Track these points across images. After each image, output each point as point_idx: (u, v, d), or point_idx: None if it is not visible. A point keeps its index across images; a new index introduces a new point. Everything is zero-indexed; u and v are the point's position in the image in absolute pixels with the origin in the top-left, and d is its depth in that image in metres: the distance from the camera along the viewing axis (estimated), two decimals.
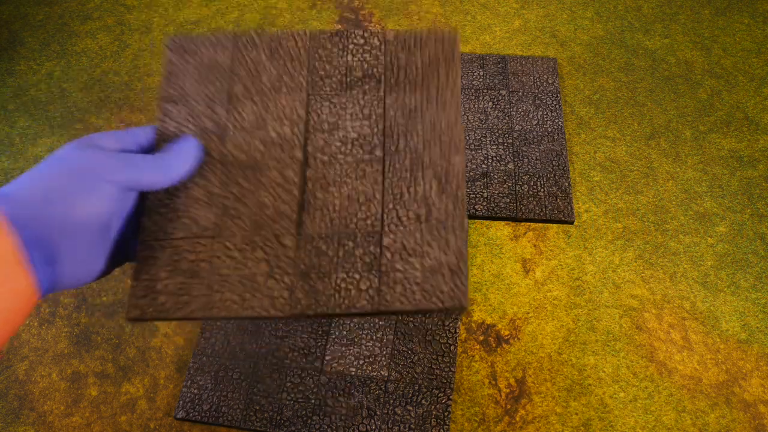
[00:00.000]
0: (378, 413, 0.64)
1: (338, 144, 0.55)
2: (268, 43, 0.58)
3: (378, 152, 0.55)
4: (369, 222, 0.53)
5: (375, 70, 0.58)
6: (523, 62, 0.97)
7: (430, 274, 0.50)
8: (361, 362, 0.70)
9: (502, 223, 0.83)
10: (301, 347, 0.71)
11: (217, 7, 1.04)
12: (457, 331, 0.71)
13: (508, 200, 0.82)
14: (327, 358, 0.70)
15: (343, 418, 0.63)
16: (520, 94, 0.94)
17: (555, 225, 0.84)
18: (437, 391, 0.67)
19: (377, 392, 0.68)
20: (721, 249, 0.83)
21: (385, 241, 0.52)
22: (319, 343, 0.71)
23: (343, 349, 0.71)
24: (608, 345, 0.75)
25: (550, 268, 0.80)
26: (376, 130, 0.56)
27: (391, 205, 0.54)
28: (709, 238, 0.84)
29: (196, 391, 0.68)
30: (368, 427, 0.63)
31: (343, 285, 0.50)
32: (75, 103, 0.93)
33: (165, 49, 0.60)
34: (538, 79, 0.95)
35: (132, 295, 0.51)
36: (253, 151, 0.55)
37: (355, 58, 0.58)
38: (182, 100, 0.57)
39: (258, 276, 0.50)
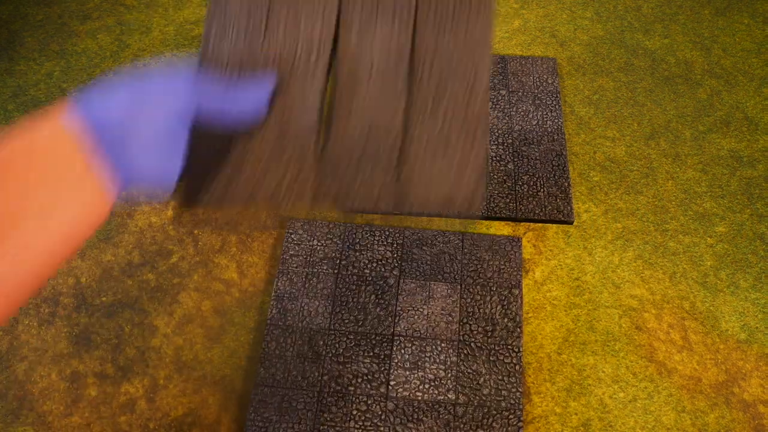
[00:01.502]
0: None
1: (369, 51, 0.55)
2: None
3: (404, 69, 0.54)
4: (394, 125, 0.52)
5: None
6: (523, 62, 0.97)
7: (448, 177, 0.50)
8: (426, 386, 0.69)
9: (502, 223, 0.83)
10: (364, 373, 0.70)
11: None
12: (521, 350, 0.70)
13: (507, 200, 0.82)
14: (392, 383, 0.69)
15: None
16: (520, 94, 0.94)
17: (554, 225, 0.84)
18: (507, 413, 0.65)
19: (446, 417, 0.66)
20: (720, 249, 0.83)
21: (410, 144, 0.52)
22: (382, 368, 0.70)
23: (407, 373, 0.70)
24: (608, 345, 0.75)
25: (550, 268, 0.80)
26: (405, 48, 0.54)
27: (418, 112, 0.53)
28: (708, 238, 0.84)
29: (260, 424, 0.67)
30: None
31: (365, 184, 0.50)
32: None
33: None
34: (537, 79, 0.95)
35: (185, 186, 0.54)
36: (283, 63, 0.55)
37: None
38: (224, 17, 0.56)
39: (288, 174, 0.51)
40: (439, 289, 0.74)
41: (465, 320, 0.72)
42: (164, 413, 0.69)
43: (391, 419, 0.66)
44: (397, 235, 0.78)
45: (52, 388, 0.72)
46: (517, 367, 0.68)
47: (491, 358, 0.69)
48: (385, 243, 0.77)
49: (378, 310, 0.71)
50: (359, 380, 0.69)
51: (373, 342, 0.71)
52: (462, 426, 0.66)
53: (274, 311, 0.74)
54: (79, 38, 1.00)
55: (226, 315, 0.77)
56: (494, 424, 0.65)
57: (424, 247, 0.77)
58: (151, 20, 1.03)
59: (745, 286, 0.79)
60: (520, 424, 0.65)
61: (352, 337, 0.72)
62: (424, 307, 0.73)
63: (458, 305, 0.73)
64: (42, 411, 0.71)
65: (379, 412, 0.67)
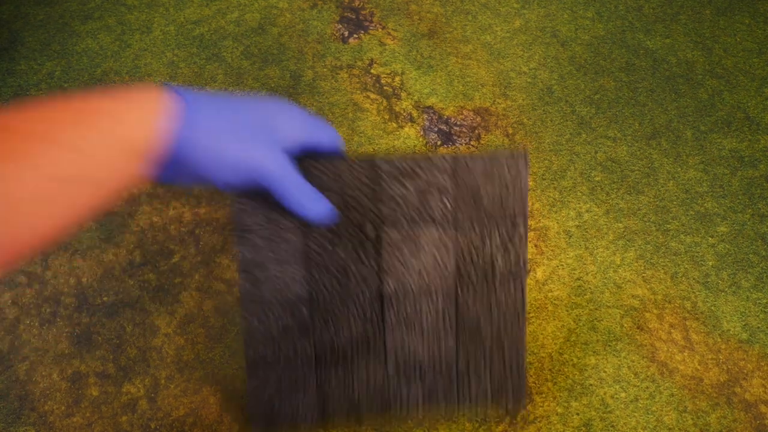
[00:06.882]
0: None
1: None
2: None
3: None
4: None
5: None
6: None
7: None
8: (426, 344, 0.66)
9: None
10: (358, 338, 0.66)
11: (218, 7, 1.04)
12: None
13: None
14: (388, 345, 0.65)
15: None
16: None
17: (556, 224, 0.84)
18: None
19: (450, 370, 0.66)
20: (722, 249, 0.83)
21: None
22: (377, 332, 0.64)
23: (404, 333, 0.65)
24: (609, 345, 0.75)
25: (551, 268, 0.80)
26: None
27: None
28: (710, 238, 0.84)
29: (262, 410, 0.66)
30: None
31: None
32: None
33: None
34: None
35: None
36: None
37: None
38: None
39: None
40: (428, 236, 0.62)
41: (462, 269, 0.63)
42: (166, 413, 0.69)
43: (395, 382, 0.65)
44: (369, 168, 0.59)
45: (53, 388, 0.72)
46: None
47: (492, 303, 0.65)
48: (354, 180, 0.61)
49: (359, 267, 0.63)
50: (355, 348, 0.64)
51: (363, 304, 0.65)
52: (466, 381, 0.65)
53: (246, 285, 0.62)
54: (80, 38, 1.00)
55: (228, 315, 0.77)
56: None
57: (405, 181, 0.61)
58: (152, 20, 1.03)
59: (746, 286, 0.79)
60: (522, 423, 0.65)
61: (336, 301, 0.65)
62: (413, 259, 0.65)
63: (452, 253, 0.65)
64: (43, 411, 0.71)
65: (381, 377, 0.65)
